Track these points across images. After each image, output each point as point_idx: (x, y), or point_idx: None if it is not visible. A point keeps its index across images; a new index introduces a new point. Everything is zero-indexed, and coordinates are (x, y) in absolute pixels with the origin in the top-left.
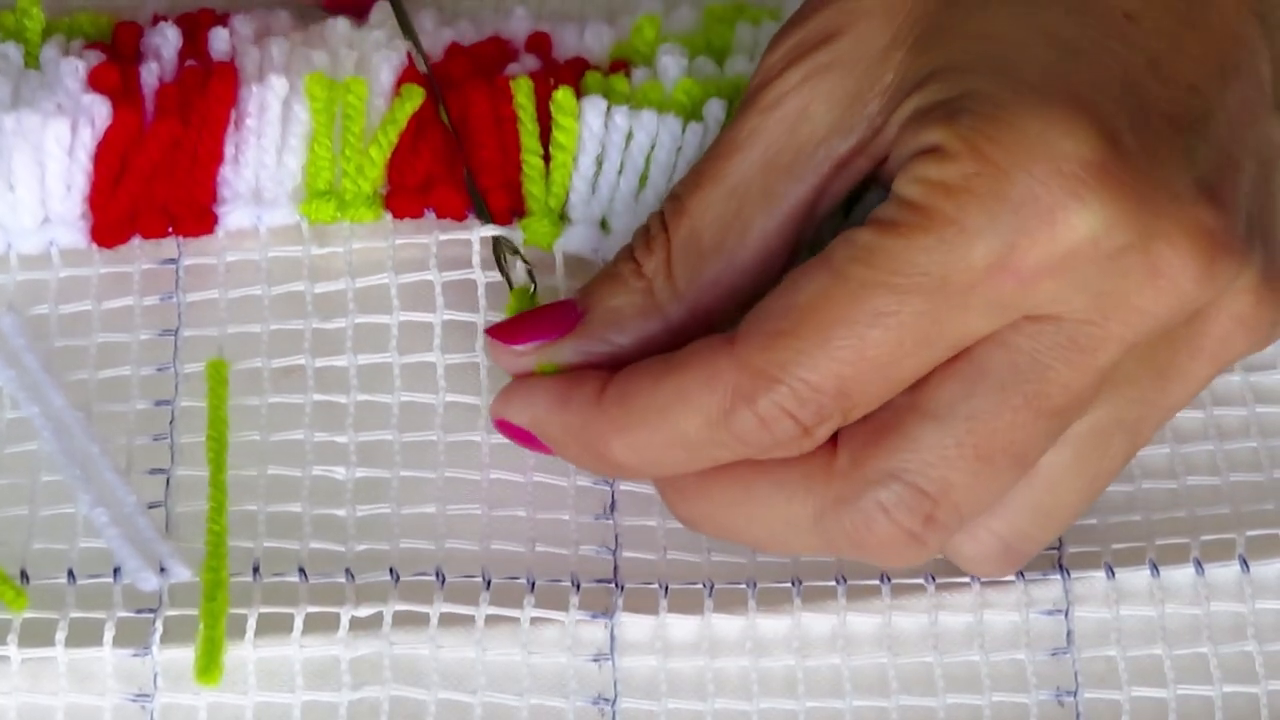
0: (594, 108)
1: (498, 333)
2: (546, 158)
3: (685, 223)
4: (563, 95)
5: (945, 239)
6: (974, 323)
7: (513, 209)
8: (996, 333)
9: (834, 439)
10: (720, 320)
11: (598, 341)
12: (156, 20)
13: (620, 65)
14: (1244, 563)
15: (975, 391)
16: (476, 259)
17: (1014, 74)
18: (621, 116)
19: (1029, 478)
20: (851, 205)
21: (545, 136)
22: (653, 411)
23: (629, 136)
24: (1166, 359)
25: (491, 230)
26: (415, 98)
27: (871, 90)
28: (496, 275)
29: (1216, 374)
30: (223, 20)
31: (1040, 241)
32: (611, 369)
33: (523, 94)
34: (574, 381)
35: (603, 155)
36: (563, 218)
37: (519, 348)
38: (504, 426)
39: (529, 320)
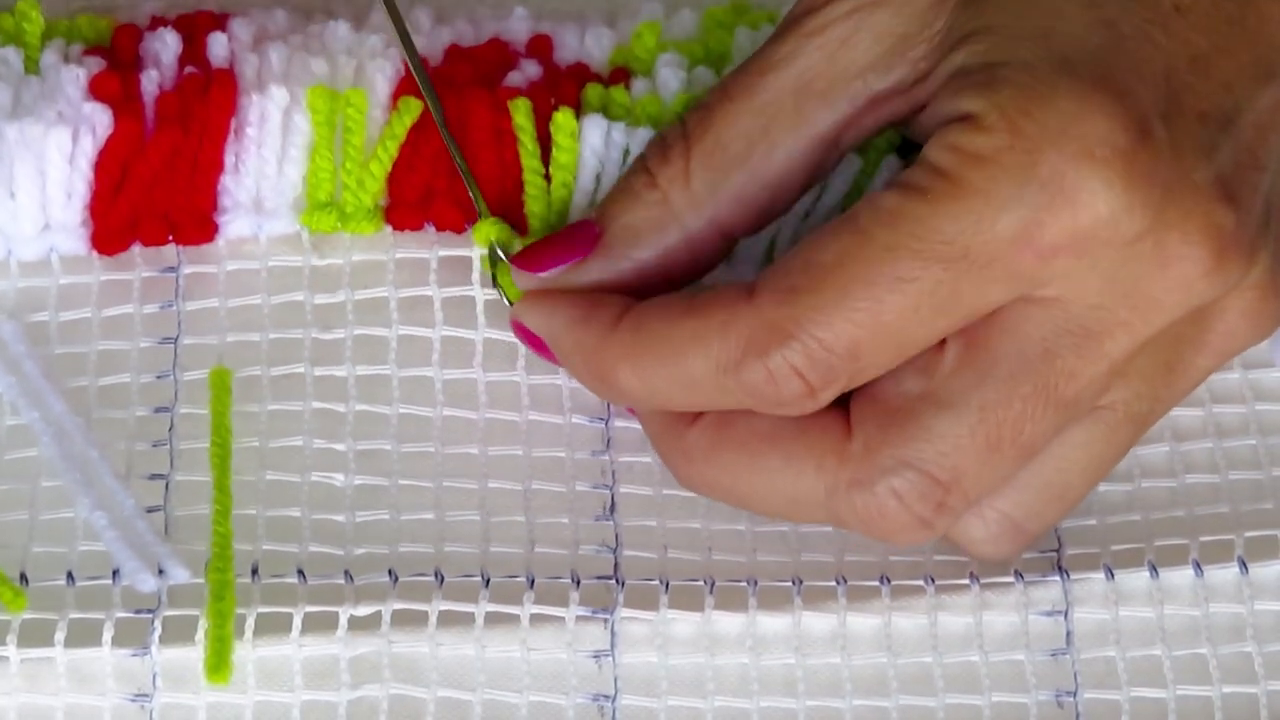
0: (595, 126)
1: (522, 260)
2: (546, 175)
3: (710, 133)
4: (563, 117)
5: (972, 209)
6: (991, 294)
7: (511, 224)
8: (1008, 320)
9: (847, 418)
10: (738, 233)
11: (619, 259)
12: (154, 22)
13: (620, 73)
14: (1243, 564)
15: (987, 381)
16: (476, 274)
17: (1058, 49)
18: (619, 133)
19: (1039, 460)
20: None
21: (545, 151)
22: (666, 347)
23: (626, 152)
24: (1174, 353)
25: (489, 224)
26: (413, 110)
27: (921, 35)
28: (494, 291)
29: (1221, 365)
30: (220, 23)
31: (1062, 219)
32: (635, 284)
33: (521, 115)
34: (595, 303)
35: (601, 172)
36: None
37: (544, 275)
38: (520, 330)
39: (550, 245)
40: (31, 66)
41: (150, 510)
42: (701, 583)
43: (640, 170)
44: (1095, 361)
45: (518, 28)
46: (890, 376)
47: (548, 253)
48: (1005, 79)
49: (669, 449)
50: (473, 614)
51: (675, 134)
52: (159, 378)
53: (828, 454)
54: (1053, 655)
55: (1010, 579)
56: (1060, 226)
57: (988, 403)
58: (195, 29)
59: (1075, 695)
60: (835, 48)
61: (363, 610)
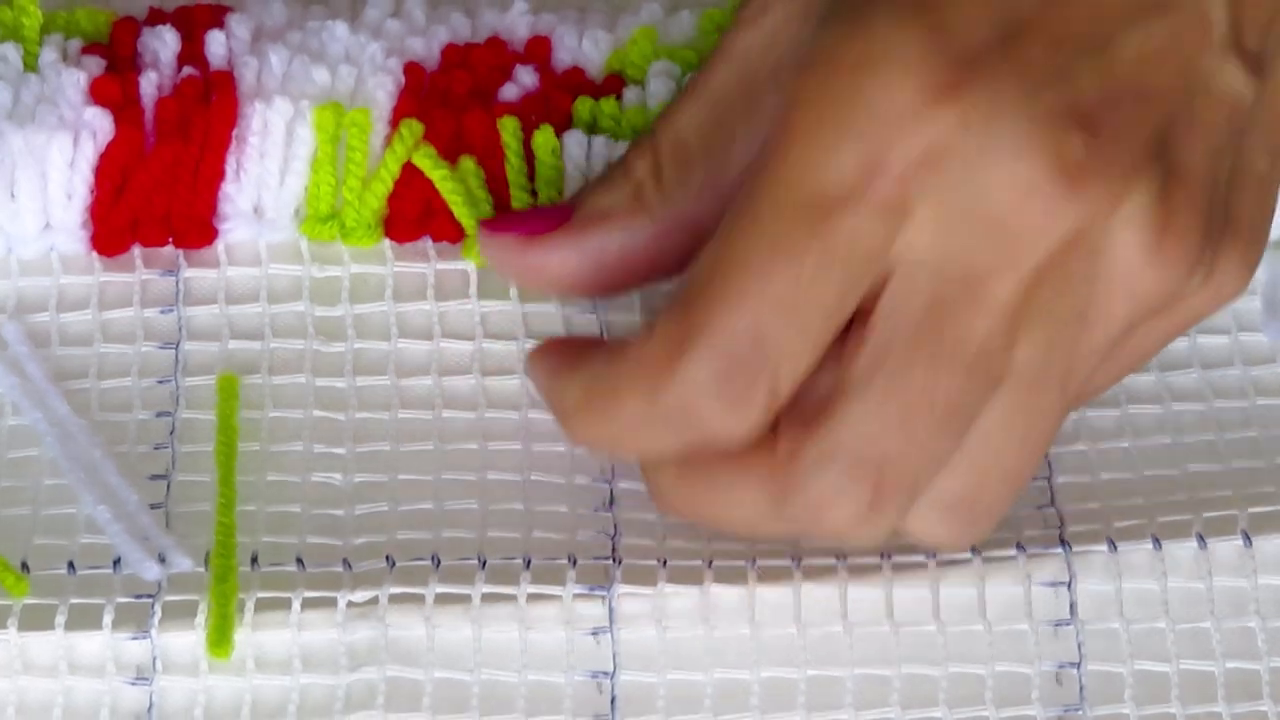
0: (575, 143)
1: (490, 223)
2: (533, 191)
3: (671, 131)
4: (543, 136)
5: (809, 157)
6: (864, 235)
7: None
8: (895, 288)
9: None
10: (706, 224)
11: (585, 240)
12: (152, 14)
13: (614, 81)
14: (1246, 538)
15: (886, 352)
16: (473, 283)
17: None
18: (601, 146)
19: (968, 437)
20: None
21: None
22: (597, 413)
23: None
24: (1084, 298)
25: None
26: (415, 132)
27: None
28: (493, 303)
29: (1139, 315)
30: (218, 16)
31: (896, 144)
32: (598, 273)
33: (509, 133)
34: (558, 382)
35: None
36: None
37: (503, 237)
38: None
39: (521, 214)
40: (30, 63)
41: (152, 507)
42: (700, 561)
43: (619, 163)
44: (987, 309)
45: (517, 24)
46: (808, 381)
47: (516, 220)
48: (832, 17)
49: (646, 481)
50: (469, 595)
51: (646, 133)
52: (160, 382)
53: (763, 465)
54: (1056, 626)
55: (1012, 552)
56: (899, 153)
57: (890, 373)
58: (193, 24)
59: (1079, 666)
60: (773, 32)
61: (360, 596)
